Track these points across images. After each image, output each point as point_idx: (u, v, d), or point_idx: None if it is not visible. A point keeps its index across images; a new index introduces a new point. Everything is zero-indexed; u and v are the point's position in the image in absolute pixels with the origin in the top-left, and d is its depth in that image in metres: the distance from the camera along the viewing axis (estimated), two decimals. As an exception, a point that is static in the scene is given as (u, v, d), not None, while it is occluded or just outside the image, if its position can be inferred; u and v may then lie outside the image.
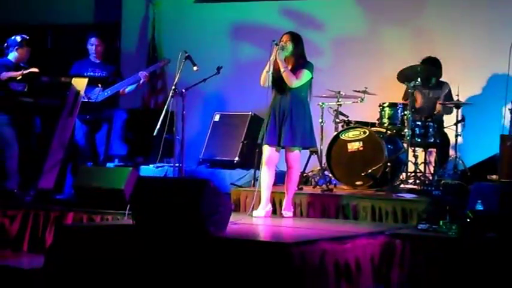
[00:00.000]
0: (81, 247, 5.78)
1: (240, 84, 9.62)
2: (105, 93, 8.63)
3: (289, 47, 7.07)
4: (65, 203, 7.70)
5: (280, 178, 7.57)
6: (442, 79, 8.44)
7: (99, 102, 8.60)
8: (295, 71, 7.07)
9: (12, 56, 8.30)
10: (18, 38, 8.33)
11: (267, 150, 7.11)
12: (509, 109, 7.81)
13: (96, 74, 8.74)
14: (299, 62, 7.12)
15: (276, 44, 7.03)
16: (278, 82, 7.08)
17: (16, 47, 8.30)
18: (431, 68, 8.25)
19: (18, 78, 8.00)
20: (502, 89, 7.67)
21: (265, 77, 7.08)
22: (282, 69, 7.01)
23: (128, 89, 8.79)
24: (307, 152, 8.22)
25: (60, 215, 7.19)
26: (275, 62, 7.03)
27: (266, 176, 7.13)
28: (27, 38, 8.40)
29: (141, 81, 8.70)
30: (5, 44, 8.34)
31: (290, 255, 5.12)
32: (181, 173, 7.78)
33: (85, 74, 8.55)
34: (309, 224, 6.87)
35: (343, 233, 6.04)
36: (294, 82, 7.02)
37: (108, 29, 10.53)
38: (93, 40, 8.83)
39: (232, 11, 10.12)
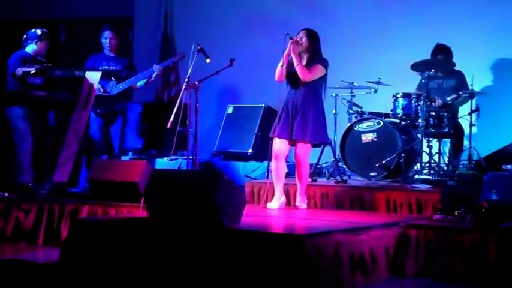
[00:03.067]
0: (96, 240, 5.80)
1: (253, 77, 9.61)
2: (120, 87, 8.65)
3: (304, 42, 7.05)
4: (79, 196, 7.72)
5: (292, 170, 7.56)
6: (456, 68, 8.40)
7: (113, 96, 8.62)
8: (309, 66, 7.05)
9: (31, 48, 8.33)
10: (39, 32, 8.36)
11: (277, 143, 7.10)
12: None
13: (111, 67, 8.76)
14: (314, 57, 7.10)
15: (291, 38, 7.01)
16: (292, 77, 7.06)
17: (35, 40, 8.33)
18: (443, 60, 8.22)
19: (32, 72, 8.02)
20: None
21: (280, 72, 7.06)
22: (295, 63, 7.00)
23: (139, 83, 8.79)
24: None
25: (75, 208, 7.21)
26: (289, 56, 7.02)
27: (278, 169, 7.13)
28: (47, 31, 8.44)
29: (154, 75, 8.71)
30: (24, 36, 8.37)
31: (304, 247, 5.11)
32: (195, 166, 7.79)
33: (99, 68, 8.57)
34: (323, 215, 6.86)
35: (358, 224, 6.03)
36: (307, 76, 7.00)
37: (122, 23, 10.56)
38: (107, 33, 8.85)
39: (245, 3, 10.12)
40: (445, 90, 8.37)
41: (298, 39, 7.05)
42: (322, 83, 7.14)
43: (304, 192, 7.26)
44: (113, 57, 8.85)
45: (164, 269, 5.46)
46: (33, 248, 7.15)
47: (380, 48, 9.27)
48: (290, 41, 6.99)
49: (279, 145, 7.10)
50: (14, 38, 8.74)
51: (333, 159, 8.38)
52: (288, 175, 7.38)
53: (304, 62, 7.07)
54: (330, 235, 5.46)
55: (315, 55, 7.11)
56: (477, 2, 8.93)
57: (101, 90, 8.46)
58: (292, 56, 7.00)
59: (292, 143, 7.13)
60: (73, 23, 11.22)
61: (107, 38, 8.84)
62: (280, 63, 7.05)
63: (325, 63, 7.09)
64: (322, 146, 8.28)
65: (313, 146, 7.29)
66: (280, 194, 7.18)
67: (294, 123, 7.03)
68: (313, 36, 7.12)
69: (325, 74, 7.11)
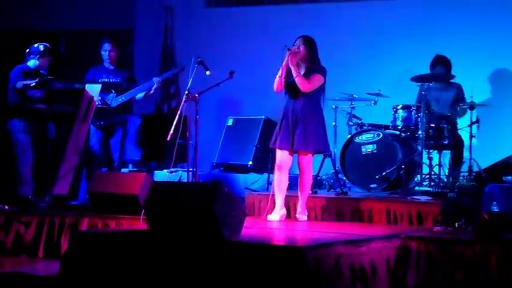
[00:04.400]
0: (97, 253, 5.78)
1: (253, 89, 9.62)
2: (120, 99, 8.65)
3: (302, 50, 7.06)
4: (79, 208, 7.72)
5: (293, 182, 7.56)
6: (454, 80, 8.41)
7: (113, 108, 8.62)
8: (308, 75, 7.06)
9: (33, 63, 8.36)
10: (42, 47, 8.41)
11: (280, 155, 7.11)
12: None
13: (111, 80, 8.77)
14: (312, 66, 7.11)
15: (288, 49, 7.02)
16: (291, 87, 7.07)
17: (38, 56, 8.38)
18: (442, 74, 8.23)
19: (32, 85, 8.04)
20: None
21: (279, 82, 7.07)
22: (294, 75, 7.00)
23: (138, 96, 8.80)
24: (321, 155, 8.22)
25: (75, 220, 7.20)
26: (288, 67, 7.03)
27: (280, 181, 7.13)
28: (49, 47, 8.49)
29: (154, 87, 8.71)
30: (27, 50, 8.41)
31: (305, 259, 5.10)
32: (195, 178, 7.78)
33: (99, 80, 8.59)
34: (324, 227, 6.85)
35: (358, 236, 6.02)
36: (306, 87, 7.01)
37: (122, 35, 10.57)
38: (106, 46, 8.86)
39: (244, 15, 10.14)
40: (444, 102, 8.38)
41: (295, 48, 7.05)
42: (321, 91, 7.14)
43: (305, 204, 7.25)
44: (113, 70, 8.86)
45: (165, 282, 5.44)
46: (34, 260, 7.14)
47: (380, 60, 9.29)
48: (288, 52, 7.00)
49: (282, 156, 7.11)
50: (15, 48, 8.75)
51: (333, 171, 8.38)
52: (288, 187, 7.37)
53: (302, 71, 7.08)
54: (330, 247, 5.44)
55: (313, 63, 7.11)
56: (477, 14, 8.96)
57: (101, 102, 8.46)
58: (291, 67, 7.01)
59: (293, 153, 7.13)
60: (73, 35, 11.24)
61: (106, 51, 8.85)
62: (279, 74, 7.05)
63: (323, 72, 7.10)
64: (323, 157, 8.29)
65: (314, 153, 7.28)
66: (281, 206, 7.17)
67: (294, 133, 7.03)
68: (310, 44, 7.12)
69: (324, 83, 7.12)
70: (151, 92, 8.79)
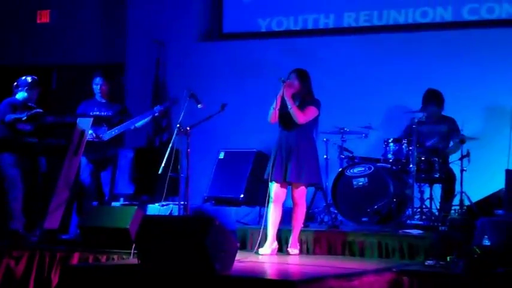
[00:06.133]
0: (87, 287, 5.75)
1: (244, 122, 9.64)
2: (112, 132, 8.65)
3: (296, 84, 7.10)
4: (70, 243, 7.68)
5: (285, 216, 7.54)
6: (446, 114, 8.44)
7: (104, 141, 8.62)
8: (302, 107, 7.09)
9: (21, 95, 8.37)
10: (29, 79, 8.43)
11: (274, 188, 7.12)
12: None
13: (102, 113, 8.78)
14: (306, 99, 7.14)
15: (283, 81, 7.06)
16: (285, 119, 7.10)
17: (26, 88, 8.39)
18: (433, 108, 8.26)
19: (23, 119, 8.04)
20: (507, 122, 7.67)
21: (273, 114, 7.09)
22: (289, 106, 7.03)
23: (140, 123, 8.79)
24: (313, 188, 8.22)
25: (66, 255, 7.16)
26: (282, 98, 7.05)
27: (273, 214, 7.13)
28: (37, 79, 8.50)
29: (156, 116, 8.76)
30: (15, 84, 8.42)
31: (297, 294, 5.09)
32: (186, 211, 7.76)
33: (91, 113, 8.60)
34: (316, 261, 6.83)
35: (350, 270, 6.01)
36: (302, 119, 7.04)
37: (114, 69, 10.61)
38: (98, 80, 8.89)
39: (236, 49, 10.18)
40: (436, 135, 8.39)
41: (290, 81, 7.09)
42: (315, 124, 7.17)
43: (297, 237, 7.23)
44: (105, 103, 8.88)
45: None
46: (24, 296, 7.10)
47: (371, 93, 9.32)
48: (283, 84, 7.03)
49: (277, 190, 7.12)
50: (5, 84, 8.77)
51: (324, 205, 8.37)
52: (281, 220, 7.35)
53: (297, 103, 7.10)
54: (322, 281, 5.43)
55: (307, 96, 7.15)
56: (468, 47, 9.01)
57: (94, 135, 8.46)
58: (286, 99, 7.03)
59: (287, 185, 7.12)
60: (65, 69, 11.28)
61: (98, 84, 8.87)
62: (273, 105, 7.07)
63: (318, 105, 7.13)
64: (314, 190, 8.29)
65: (307, 186, 7.28)
66: (272, 239, 7.16)
67: (288, 165, 7.04)
68: (304, 77, 7.16)
69: (318, 115, 7.14)
70: (146, 121, 8.81)
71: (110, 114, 8.81)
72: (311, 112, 7.09)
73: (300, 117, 7.04)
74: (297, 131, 7.09)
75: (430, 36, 9.27)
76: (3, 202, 8.16)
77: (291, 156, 7.05)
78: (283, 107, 7.07)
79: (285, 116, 7.09)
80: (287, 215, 7.42)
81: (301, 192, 7.15)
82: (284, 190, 7.16)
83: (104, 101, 8.89)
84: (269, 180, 7.12)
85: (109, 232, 7.19)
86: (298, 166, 7.02)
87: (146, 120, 8.81)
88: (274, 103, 7.07)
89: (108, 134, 8.63)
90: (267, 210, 7.17)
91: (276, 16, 10.13)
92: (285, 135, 7.14)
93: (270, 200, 7.13)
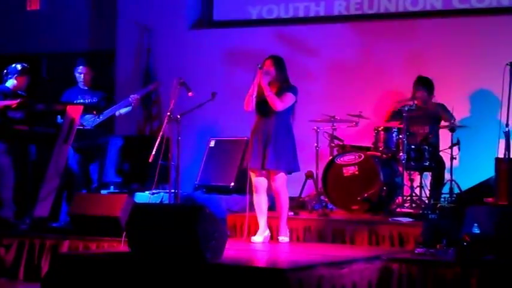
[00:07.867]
0: (77, 275, 5.76)
1: (235, 110, 9.57)
2: (98, 119, 8.60)
3: (272, 71, 7.07)
4: (60, 230, 7.68)
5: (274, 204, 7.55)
6: (437, 101, 8.44)
7: (93, 129, 8.59)
8: (279, 94, 7.05)
9: (11, 83, 8.34)
10: (19, 66, 8.39)
11: (254, 176, 7.11)
12: (504, 131, 7.81)
13: (86, 100, 8.73)
14: (283, 85, 7.11)
15: (260, 68, 7.03)
16: (262, 106, 7.06)
17: (15, 75, 8.35)
18: (423, 95, 8.26)
19: (13, 106, 8.01)
20: (497, 110, 7.69)
21: (249, 101, 7.06)
22: (266, 93, 6.99)
23: (124, 111, 8.75)
24: (303, 176, 8.23)
25: (56, 243, 7.17)
26: (259, 86, 7.03)
27: (259, 202, 7.13)
28: (27, 66, 8.46)
29: (133, 105, 8.69)
30: (5, 71, 8.39)
31: (287, 281, 5.11)
32: (177, 199, 7.76)
33: (75, 102, 8.55)
34: (306, 249, 6.85)
35: (340, 258, 6.03)
36: (279, 106, 7.01)
37: (103, 57, 10.57)
38: (80, 68, 8.83)
39: (227, 37, 10.16)
40: (427, 123, 8.36)
41: (265, 70, 7.06)
42: (291, 110, 7.14)
43: (285, 224, 7.23)
44: (87, 90, 8.80)
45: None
46: (14, 283, 7.10)
47: (361, 82, 9.32)
48: (259, 71, 7.01)
49: (257, 178, 7.10)
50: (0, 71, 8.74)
51: (315, 193, 8.38)
52: (271, 208, 7.35)
53: (273, 90, 7.07)
54: (312, 269, 5.45)
55: (284, 83, 7.13)
56: (459, 35, 9.01)
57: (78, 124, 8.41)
58: (262, 86, 7.00)
59: (266, 172, 7.10)
60: (55, 58, 11.23)
61: (81, 73, 8.81)
62: (250, 93, 7.05)
63: (295, 91, 7.10)
64: (305, 178, 8.29)
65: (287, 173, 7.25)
66: (264, 227, 7.16)
67: (266, 152, 7.01)
68: (279, 64, 7.13)
69: (295, 102, 7.12)
70: (130, 109, 8.76)
71: (94, 100, 8.76)
72: (288, 99, 7.05)
73: (278, 104, 7.00)
74: (274, 118, 7.04)
75: (421, 25, 9.26)
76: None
77: (269, 143, 6.99)
78: (261, 94, 7.04)
79: (262, 103, 7.04)
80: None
81: (282, 181, 7.09)
82: (265, 178, 7.13)
83: (86, 88, 8.84)
84: (247, 168, 7.10)
85: (99, 220, 7.19)
86: (276, 153, 6.98)
87: (128, 108, 8.75)
88: (251, 90, 7.04)
89: (94, 121, 8.58)
90: (250, 198, 7.14)
91: (266, 4, 10.10)
92: (262, 122, 7.09)
93: (253, 189, 7.11)
